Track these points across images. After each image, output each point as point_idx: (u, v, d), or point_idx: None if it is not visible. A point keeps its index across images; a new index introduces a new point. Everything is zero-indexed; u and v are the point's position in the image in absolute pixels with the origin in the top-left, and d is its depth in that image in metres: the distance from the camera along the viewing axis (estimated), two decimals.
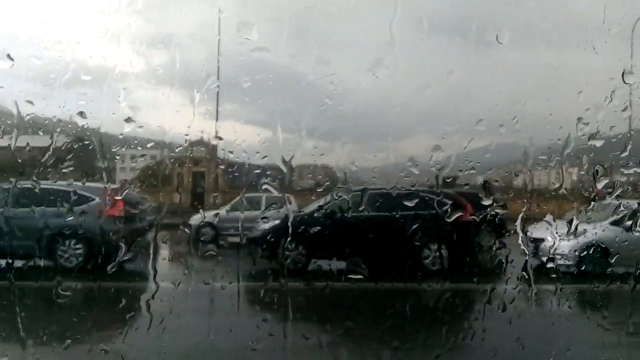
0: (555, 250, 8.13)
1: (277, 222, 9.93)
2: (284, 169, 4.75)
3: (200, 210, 16.22)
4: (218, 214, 13.97)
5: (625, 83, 3.46)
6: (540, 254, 8.27)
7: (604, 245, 9.26)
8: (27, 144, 4.38)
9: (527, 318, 4.98)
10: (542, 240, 8.32)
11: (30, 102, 3.80)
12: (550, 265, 7.34)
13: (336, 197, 9.72)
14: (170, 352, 4.49)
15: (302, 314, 5.44)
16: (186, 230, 13.60)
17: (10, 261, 5.91)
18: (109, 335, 5.12)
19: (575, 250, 9.26)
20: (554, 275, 6.42)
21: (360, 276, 6.29)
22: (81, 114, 3.97)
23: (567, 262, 9.18)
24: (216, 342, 4.80)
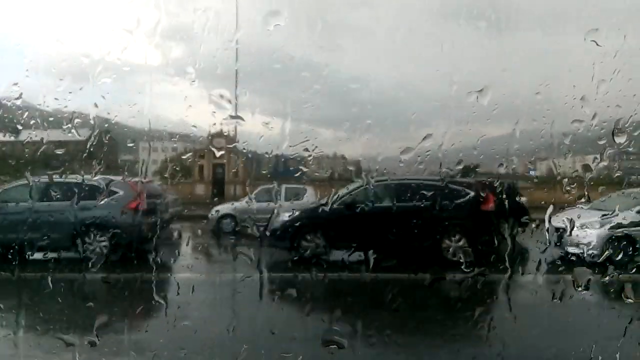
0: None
1: (297, 212, 9.92)
2: (304, 160, 4.73)
3: (219, 201, 16.31)
4: (235, 205, 14.09)
5: None
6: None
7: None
8: (45, 138, 4.43)
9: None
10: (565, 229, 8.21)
11: (52, 97, 3.84)
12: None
13: (357, 188, 9.65)
14: (191, 343, 4.52)
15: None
16: (206, 221, 13.80)
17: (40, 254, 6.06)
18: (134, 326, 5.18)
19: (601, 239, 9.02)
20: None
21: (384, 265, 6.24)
22: (100, 107, 4.01)
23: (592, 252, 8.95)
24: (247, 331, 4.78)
